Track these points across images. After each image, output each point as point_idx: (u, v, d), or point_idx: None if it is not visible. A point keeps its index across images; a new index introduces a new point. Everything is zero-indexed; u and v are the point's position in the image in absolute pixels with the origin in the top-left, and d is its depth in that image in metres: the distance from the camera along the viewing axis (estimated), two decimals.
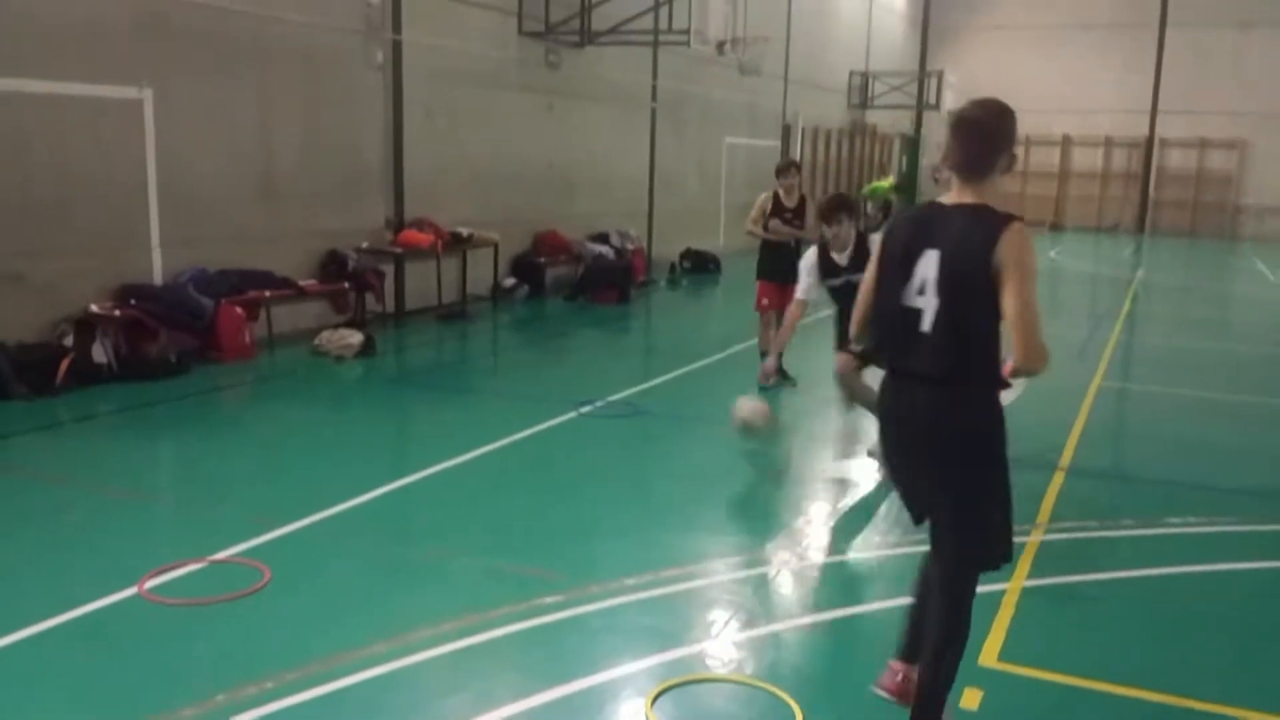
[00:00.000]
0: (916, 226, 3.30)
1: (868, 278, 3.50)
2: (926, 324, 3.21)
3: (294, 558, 5.10)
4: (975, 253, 3.11)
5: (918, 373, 3.27)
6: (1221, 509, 6.22)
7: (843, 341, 6.83)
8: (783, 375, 9.14)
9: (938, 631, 3.40)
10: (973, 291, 3.13)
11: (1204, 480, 6.80)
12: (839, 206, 7.08)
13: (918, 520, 3.50)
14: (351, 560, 5.18)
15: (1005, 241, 3.09)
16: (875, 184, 26.87)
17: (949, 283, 3.16)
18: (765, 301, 9.33)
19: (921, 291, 3.21)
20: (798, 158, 24.14)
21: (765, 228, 9.40)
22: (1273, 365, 11.42)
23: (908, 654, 3.65)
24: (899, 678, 3.65)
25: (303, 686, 3.83)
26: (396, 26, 11.97)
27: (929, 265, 3.19)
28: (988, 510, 3.32)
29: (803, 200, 9.41)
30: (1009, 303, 3.08)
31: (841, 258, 7.03)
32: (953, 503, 3.33)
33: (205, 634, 4.30)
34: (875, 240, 5.66)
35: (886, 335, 3.37)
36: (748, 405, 6.95)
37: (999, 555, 3.39)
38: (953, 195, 3.31)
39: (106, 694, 3.81)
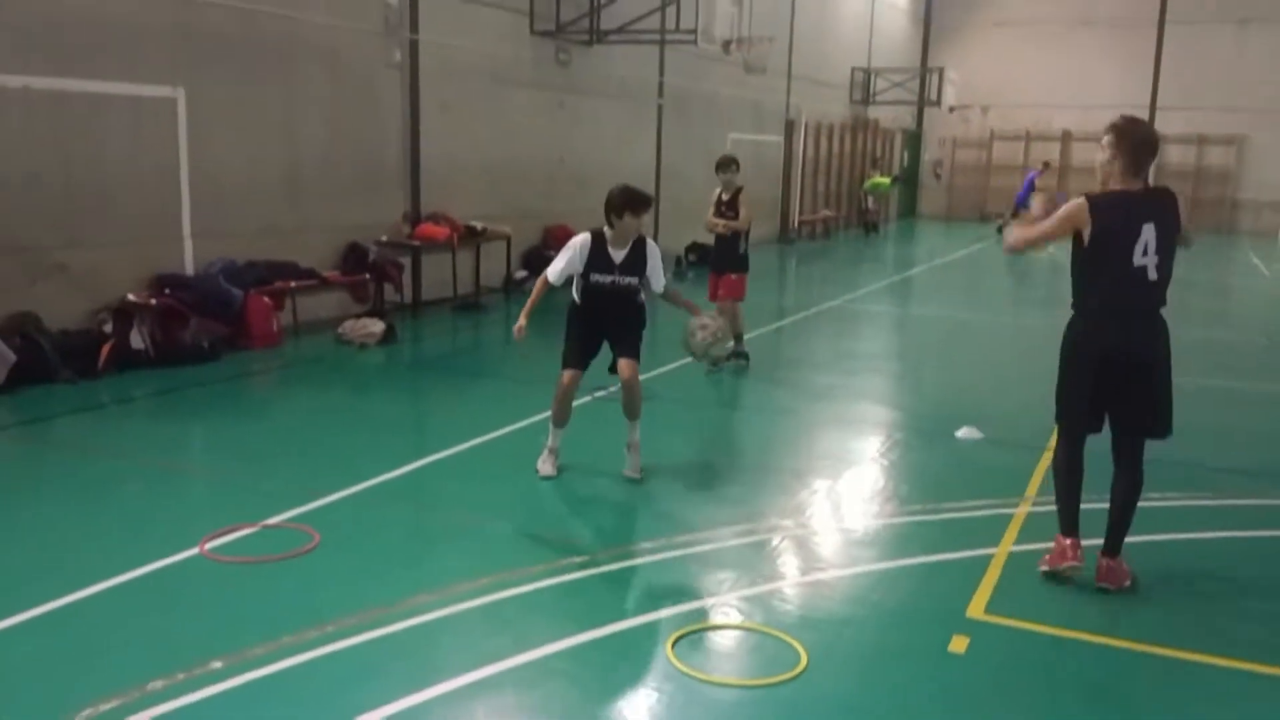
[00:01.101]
0: (1130, 208, 4.75)
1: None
2: (1152, 275, 4.75)
3: (339, 523, 5.55)
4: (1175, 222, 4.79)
5: (1142, 309, 4.83)
6: (1201, 485, 6.67)
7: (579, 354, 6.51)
8: (740, 356, 9.76)
9: (1131, 491, 4.98)
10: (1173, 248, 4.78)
11: (1186, 459, 7.21)
12: (626, 204, 6.19)
13: (1097, 428, 5.00)
14: (392, 526, 5.63)
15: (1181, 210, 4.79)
16: (875, 180, 27.34)
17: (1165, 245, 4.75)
18: (717, 291, 9.82)
19: (1145, 252, 4.72)
20: (805, 151, 24.57)
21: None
22: (1258, 353, 11.85)
23: (1072, 528, 5.07)
24: (1072, 546, 5.04)
25: (361, 630, 4.29)
26: (414, 26, 12.40)
27: (1150, 233, 4.71)
28: (1170, 398, 4.92)
29: (737, 194, 9.71)
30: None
31: (618, 255, 6.30)
32: (1154, 396, 4.86)
33: (265, 587, 4.75)
34: (653, 248, 6.38)
35: (1116, 286, 4.78)
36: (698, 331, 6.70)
37: (1170, 427, 4.94)
38: (1126, 185, 4.77)
39: (181, 637, 4.25)
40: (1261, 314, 15.95)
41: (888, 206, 31.43)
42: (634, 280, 6.33)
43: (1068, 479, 5.14)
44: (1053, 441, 7.45)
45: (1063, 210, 4.89)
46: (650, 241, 6.42)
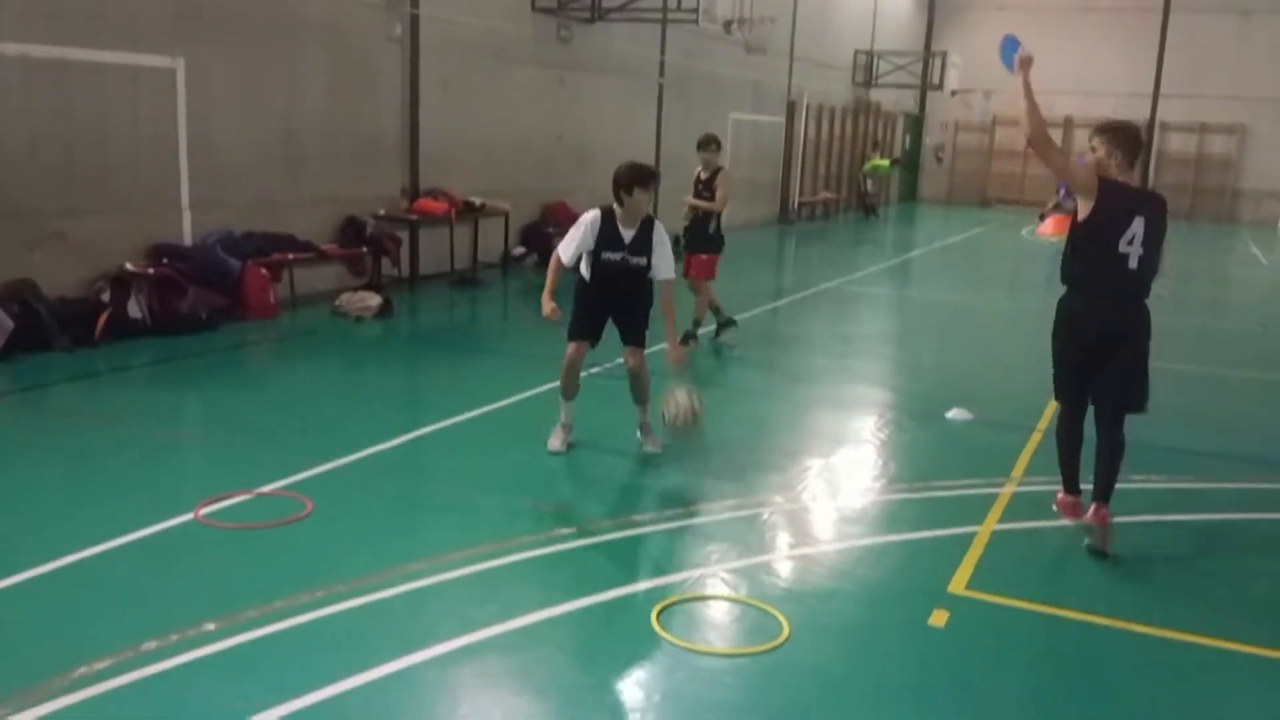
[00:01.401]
0: (1126, 199, 5.16)
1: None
2: (1133, 263, 5.11)
3: (332, 492, 5.61)
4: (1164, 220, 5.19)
5: (1118, 292, 5.18)
6: (1183, 468, 6.75)
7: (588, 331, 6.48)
8: (692, 338, 9.53)
9: (1114, 451, 5.37)
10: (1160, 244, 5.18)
11: (1169, 442, 7.29)
12: (634, 179, 6.19)
13: (1081, 400, 5.47)
14: (384, 496, 5.70)
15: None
16: (874, 162, 27.33)
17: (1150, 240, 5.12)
18: (689, 270, 9.73)
19: (1130, 242, 5.09)
20: (806, 133, 24.53)
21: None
22: (1249, 341, 11.90)
23: (1072, 488, 5.66)
24: (1074, 504, 5.67)
25: (351, 595, 4.36)
26: (415, 1, 12.38)
27: (1139, 226, 5.09)
28: (1144, 375, 5.31)
29: (716, 173, 9.65)
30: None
31: (627, 233, 6.27)
32: (1127, 371, 5.25)
33: (259, 553, 4.82)
34: (661, 232, 6.37)
35: (1096, 265, 5.19)
36: (674, 407, 6.24)
37: (1144, 402, 5.36)
38: (1125, 177, 5.22)
39: (174, 599, 4.32)
40: (1259, 303, 15.99)
41: (888, 189, 31.43)
42: (643, 260, 6.30)
43: (1064, 445, 5.68)
44: (1042, 423, 7.59)
45: (1084, 166, 5.36)
46: (659, 224, 6.38)
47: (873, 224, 25.98)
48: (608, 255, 6.27)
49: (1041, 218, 23.12)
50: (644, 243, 6.28)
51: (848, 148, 28.03)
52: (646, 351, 6.61)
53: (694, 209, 9.78)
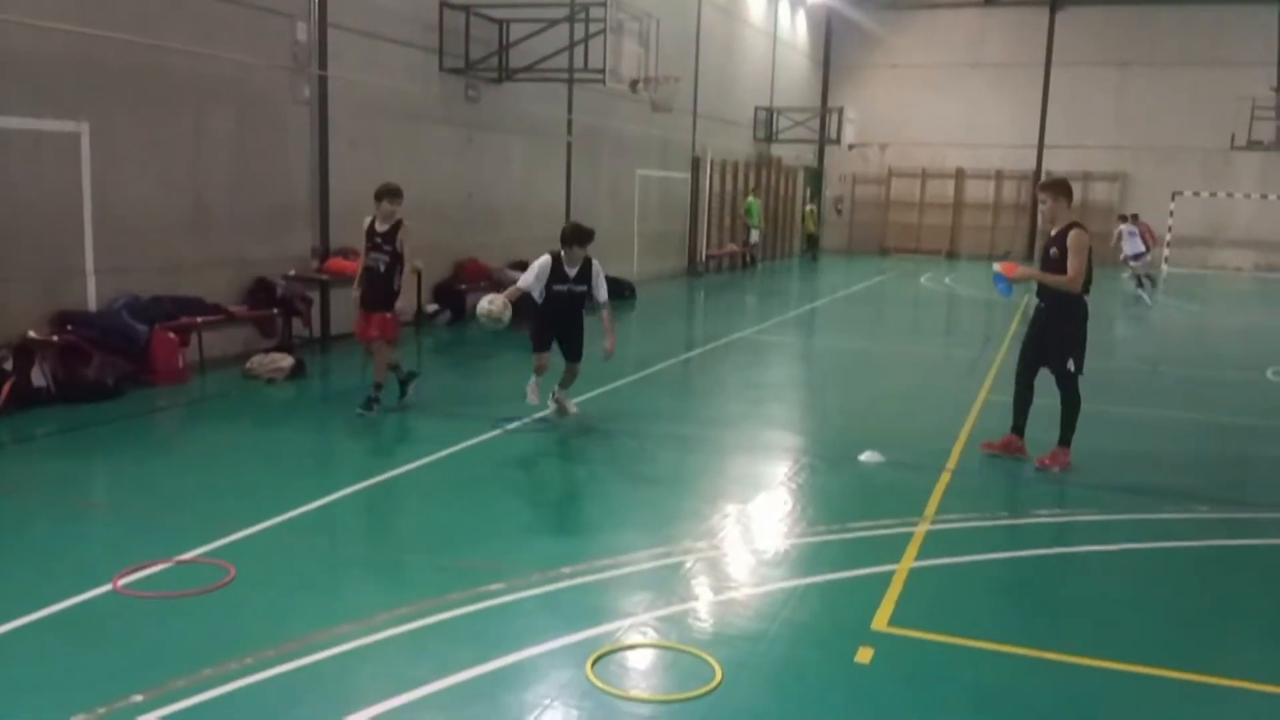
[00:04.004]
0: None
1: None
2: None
3: (254, 557, 5.54)
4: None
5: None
6: (1085, 502, 7.06)
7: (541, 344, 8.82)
8: (375, 401, 9.07)
9: (1064, 404, 7.74)
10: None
11: (1072, 478, 7.62)
12: (575, 237, 8.63)
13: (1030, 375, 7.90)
14: (308, 558, 5.65)
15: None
16: (749, 202, 27.49)
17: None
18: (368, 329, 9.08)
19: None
20: (711, 187, 25.04)
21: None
22: (1140, 378, 12.47)
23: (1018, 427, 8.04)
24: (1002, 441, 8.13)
25: (281, 661, 4.31)
26: (323, 63, 12.43)
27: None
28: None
29: (397, 227, 8.82)
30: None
31: (571, 271, 8.64)
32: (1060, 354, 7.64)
33: (182, 622, 4.74)
34: (598, 268, 8.78)
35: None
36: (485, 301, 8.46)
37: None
38: (1070, 217, 7.58)
39: (99, 672, 4.22)
40: (1148, 342, 16.75)
41: (789, 240, 32.18)
42: (584, 288, 8.73)
43: (1019, 399, 8.04)
44: (951, 462, 7.88)
45: (1080, 244, 7.36)
46: (595, 262, 8.78)
47: (757, 274, 26.37)
48: (557, 287, 8.63)
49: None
50: (585, 276, 8.71)
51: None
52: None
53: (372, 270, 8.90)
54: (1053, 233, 7.60)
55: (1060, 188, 7.59)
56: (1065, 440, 7.79)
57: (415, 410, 9.20)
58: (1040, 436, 7.93)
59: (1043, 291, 7.67)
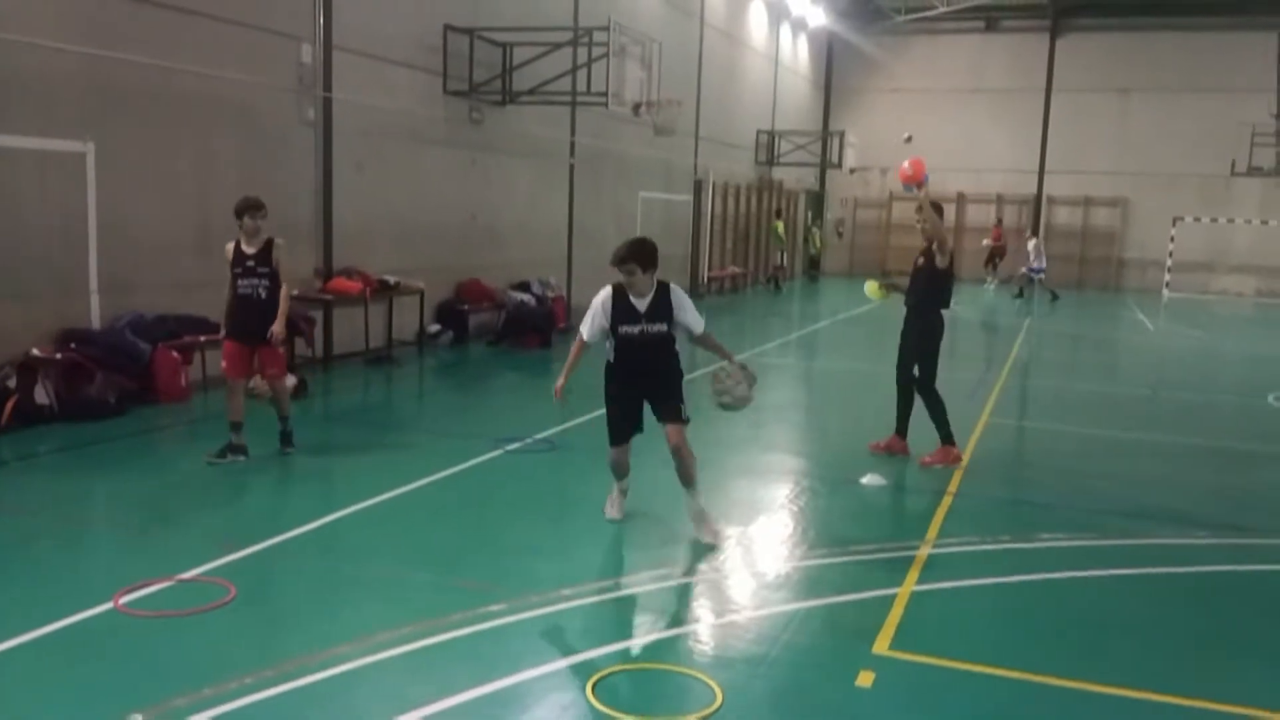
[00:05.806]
0: None
1: None
2: None
3: (255, 576, 5.55)
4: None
5: None
6: (1085, 526, 7.05)
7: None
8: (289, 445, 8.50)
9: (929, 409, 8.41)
10: None
11: (1072, 502, 7.62)
12: (628, 256, 6.16)
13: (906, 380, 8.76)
14: (309, 578, 5.65)
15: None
16: (776, 226, 28.23)
17: None
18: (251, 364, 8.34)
19: None
20: (712, 208, 25.13)
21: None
22: (1140, 403, 12.48)
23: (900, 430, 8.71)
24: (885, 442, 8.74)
25: (280, 680, 4.31)
26: (328, 85, 12.51)
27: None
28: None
29: (269, 245, 7.98)
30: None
31: (641, 304, 6.24)
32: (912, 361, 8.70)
33: (183, 640, 4.74)
34: (679, 293, 6.35)
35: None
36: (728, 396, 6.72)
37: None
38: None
39: (100, 691, 4.23)
40: (1148, 367, 16.78)
41: (792, 262, 32.27)
42: (663, 327, 6.25)
43: (899, 402, 8.74)
44: (953, 485, 7.88)
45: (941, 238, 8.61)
46: (674, 286, 6.38)
47: (778, 297, 26.59)
48: (626, 329, 6.22)
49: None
50: (661, 308, 6.24)
51: (753, 224, 28.78)
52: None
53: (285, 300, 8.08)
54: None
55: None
56: (944, 438, 8.43)
57: (417, 430, 9.20)
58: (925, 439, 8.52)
59: (907, 302, 8.70)
